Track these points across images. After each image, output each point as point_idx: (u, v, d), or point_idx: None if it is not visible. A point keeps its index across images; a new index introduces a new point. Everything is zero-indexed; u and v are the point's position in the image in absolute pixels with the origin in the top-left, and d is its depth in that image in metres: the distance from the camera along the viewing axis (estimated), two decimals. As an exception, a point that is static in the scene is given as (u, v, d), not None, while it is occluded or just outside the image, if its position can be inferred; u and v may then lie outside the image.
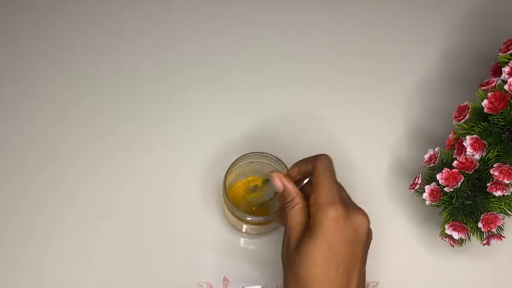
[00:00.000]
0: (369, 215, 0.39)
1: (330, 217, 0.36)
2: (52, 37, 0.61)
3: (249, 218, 0.45)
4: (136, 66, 0.59)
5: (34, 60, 0.59)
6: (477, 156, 0.44)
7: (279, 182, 0.41)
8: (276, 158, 0.46)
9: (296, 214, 0.38)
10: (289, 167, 0.44)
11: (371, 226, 0.39)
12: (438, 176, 0.45)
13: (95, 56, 0.60)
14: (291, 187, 0.40)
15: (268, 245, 0.51)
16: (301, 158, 0.42)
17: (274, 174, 0.41)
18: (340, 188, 0.41)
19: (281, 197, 0.41)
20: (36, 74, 0.58)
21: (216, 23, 0.62)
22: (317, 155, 0.40)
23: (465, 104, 0.47)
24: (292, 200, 0.39)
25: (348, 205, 0.38)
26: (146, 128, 0.56)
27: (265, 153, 0.47)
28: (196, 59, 0.59)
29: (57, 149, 0.55)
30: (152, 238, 0.50)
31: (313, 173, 0.39)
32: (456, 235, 0.45)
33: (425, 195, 0.46)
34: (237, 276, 0.49)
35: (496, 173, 0.43)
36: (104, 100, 0.57)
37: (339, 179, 0.40)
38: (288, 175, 0.42)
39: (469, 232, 0.45)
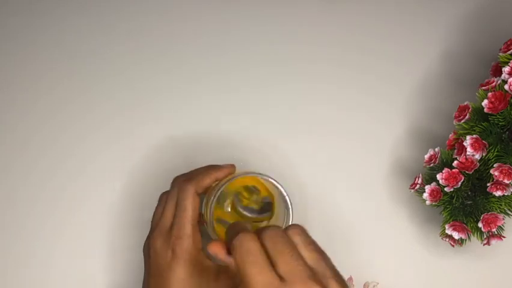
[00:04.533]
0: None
1: None
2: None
3: None
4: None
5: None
6: (477, 156, 0.44)
7: (223, 260, 0.33)
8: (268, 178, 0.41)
9: None
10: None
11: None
12: (438, 176, 0.45)
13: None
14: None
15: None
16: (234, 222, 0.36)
17: (215, 251, 0.33)
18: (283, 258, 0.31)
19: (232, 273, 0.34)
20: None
21: (203, 20, 0.62)
22: (238, 232, 0.31)
23: (465, 104, 0.47)
24: (240, 282, 0.32)
25: (290, 282, 0.30)
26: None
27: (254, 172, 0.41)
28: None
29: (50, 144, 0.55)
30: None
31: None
32: (456, 235, 0.45)
33: (425, 195, 0.46)
34: (237, 276, 0.49)
35: (496, 173, 0.43)
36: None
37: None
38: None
39: (469, 232, 0.45)
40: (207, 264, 0.40)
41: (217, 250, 0.33)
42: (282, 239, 0.32)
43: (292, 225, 0.34)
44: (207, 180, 0.41)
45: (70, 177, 0.54)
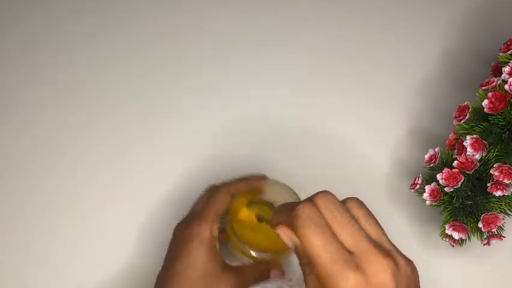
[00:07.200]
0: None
1: None
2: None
3: (254, 254, 0.42)
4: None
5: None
6: (477, 156, 0.44)
7: (289, 240, 0.32)
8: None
9: (314, 284, 0.30)
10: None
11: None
12: (438, 176, 0.45)
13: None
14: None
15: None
16: (281, 204, 0.34)
17: (281, 231, 0.32)
18: (346, 229, 0.30)
19: (297, 256, 0.32)
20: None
21: (202, 18, 0.62)
22: (296, 204, 0.30)
23: (465, 104, 0.47)
24: (308, 264, 0.31)
25: (359, 254, 0.29)
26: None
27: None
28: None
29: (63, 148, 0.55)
30: (155, 239, 0.50)
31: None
32: (456, 235, 0.45)
33: (425, 195, 0.46)
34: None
35: (496, 173, 0.43)
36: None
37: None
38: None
39: (469, 232, 0.45)
40: (218, 251, 0.41)
41: (284, 229, 0.32)
42: (337, 206, 0.31)
43: (350, 198, 0.33)
44: (241, 184, 0.44)
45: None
